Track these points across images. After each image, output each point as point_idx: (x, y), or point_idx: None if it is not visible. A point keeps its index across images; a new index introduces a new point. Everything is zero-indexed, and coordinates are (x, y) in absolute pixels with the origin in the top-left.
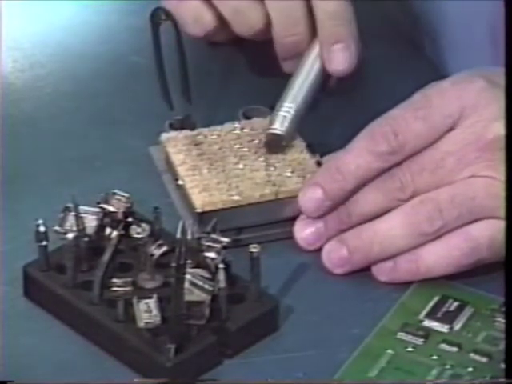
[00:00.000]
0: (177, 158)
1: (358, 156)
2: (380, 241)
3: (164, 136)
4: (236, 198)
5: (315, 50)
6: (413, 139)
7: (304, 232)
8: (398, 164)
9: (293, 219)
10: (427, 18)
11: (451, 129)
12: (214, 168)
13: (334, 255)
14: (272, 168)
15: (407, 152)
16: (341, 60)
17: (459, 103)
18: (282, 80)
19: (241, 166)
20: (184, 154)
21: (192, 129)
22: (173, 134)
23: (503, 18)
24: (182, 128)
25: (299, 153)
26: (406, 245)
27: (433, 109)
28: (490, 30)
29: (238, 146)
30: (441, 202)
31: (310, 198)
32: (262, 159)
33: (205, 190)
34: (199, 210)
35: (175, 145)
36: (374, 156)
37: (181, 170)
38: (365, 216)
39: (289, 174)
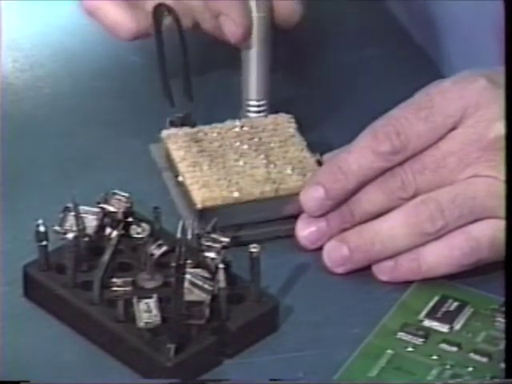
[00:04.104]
0: (177, 154)
1: (360, 155)
2: (381, 240)
3: (164, 133)
4: (236, 194)
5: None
6: (415, 139)
7: (306, 231)
8: (400, 163)
9: (293, 217)
10: (428, 17)
11: (453, 128)
12: (214, 165)
13: (335, 254)
14: (272, 165)
15: (409, 152)
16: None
17: (461, 103)
18: (281, 78)
19: (241, 163)
20: (184, 150)
21: (192, 126)
22: (173, 130)
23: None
24: (182, 125)
25: (300, 151)
26: (407, 244)
27: (435, 109)
28: (493, 29)
29: (238, 144)
30: (442, 202)
31: (312, 197)
32: (262, 157)
33: (205, 186)
34: (199, 206)
35: (176, 141)
36: (376, 155)
37: (181, 167)
38: (367, 215)
39: (289, 172)
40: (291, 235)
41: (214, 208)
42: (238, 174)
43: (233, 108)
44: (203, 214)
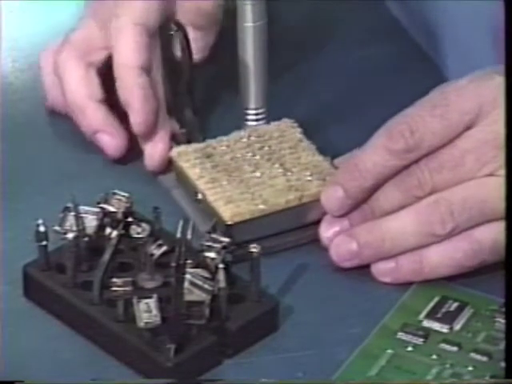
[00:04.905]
0: (193, 172)
1: (374, 154)
2: (391, 237)
3: (174, 151)
4: (262, 206)
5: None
6: (429, 137)
7: (329, 231)
8: (417, 162)
9: (313, 223)
10: (428, 17)
11: (469, 126)
12: (232, 179)
13: (343, 248)
14: (289, 173)
15: (424, 150)
16: None
17: (477, 100)
18: (282, 79)
19: (258, 174)
20: (199, 167)
21: (200, 141)
22: (182, 147)
23: (503, 18)
24: (188, 141)
25: (312, 156)
26: (416, 243)
27: (450, 106)
28: (491, 30)
29: (250, 155)
30: (453, 204)
31: (332, 197)
32: (277, 165)
33: (230, 201)
34: (229, 222)
35: (187, 159)
36: (390, 154)
37: (200, 184)
38: (387, 213)
39: (308, 178)
40: (314, 241)
41: (243, 223)
42: (258, 185)
43: (230, 119)
44: (232, 230)
